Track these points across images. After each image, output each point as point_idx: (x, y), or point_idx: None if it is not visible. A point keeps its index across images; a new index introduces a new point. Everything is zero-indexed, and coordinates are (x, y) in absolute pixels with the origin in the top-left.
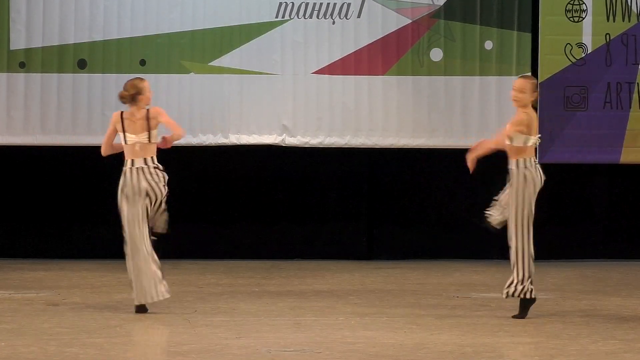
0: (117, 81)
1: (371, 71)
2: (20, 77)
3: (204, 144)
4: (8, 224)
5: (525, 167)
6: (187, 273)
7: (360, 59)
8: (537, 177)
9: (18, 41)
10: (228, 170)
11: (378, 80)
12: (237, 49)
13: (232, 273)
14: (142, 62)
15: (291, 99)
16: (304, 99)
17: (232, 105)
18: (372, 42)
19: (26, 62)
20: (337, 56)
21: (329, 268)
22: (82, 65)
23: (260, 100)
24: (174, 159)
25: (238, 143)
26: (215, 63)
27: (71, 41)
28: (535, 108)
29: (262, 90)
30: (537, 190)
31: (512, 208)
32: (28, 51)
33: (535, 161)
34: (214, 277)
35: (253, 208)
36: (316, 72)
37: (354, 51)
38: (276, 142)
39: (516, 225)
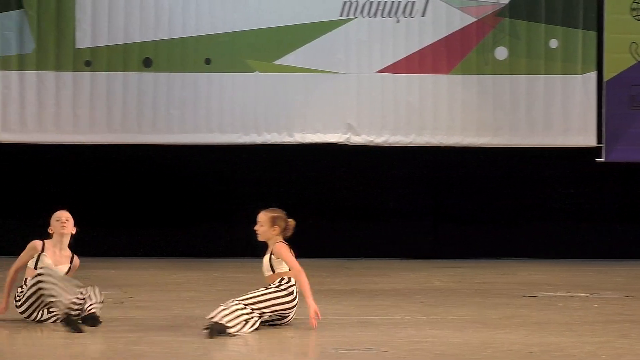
0: (182, 80)
1: (436, 70)
2: (86, 75)
3: (269, 142)
4: (76, 222)
5: None
6: (254, 272)
7: (424, 58)
8: None
9: (84, 40)
10: (292, 169)
11: (443, 78)
12: (302, 47)
13: None
14: (207, 61)
15: (355, 98)
16: (368, 97)
17: (296, 103)
18: (437, 41)
19: (92, 60)
20: (401, 55)
21: (394, 267)
22: (147, 64)
23: (325, 99)
24: (237, 157)
25: (303, 142)
26: (279, 62)
27: (136, 40)
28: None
29: (326, 89)
30: None
31: None
32: (94, 50)
33: None
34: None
35: (318, 207)
36: (380, 71)
37: (418, 50)
38: (341, 140)
39: None
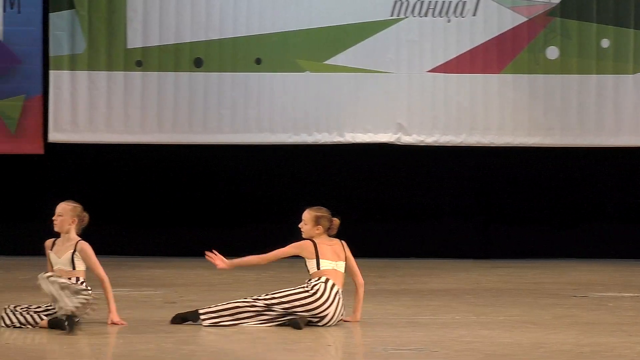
0: (233, 80)
1: (486, 69)
2: (137, 75)
3: (319, 142)
4: (124, 223)
5: None
6: (304, 271)
7: (475, 57)
8: None
9: (135, 40)
10: (343, 169)
11: (493, 78)
12: (352, 47)
13: (347, 271)
14: (258, 61)
15: (406, 98)
16: (419, 97)
17: (347, 103)
18: (488, 40)
19: (143, 60)
20: (452, 54)
21: (444, 267)
22: (198, 64)
23: (375, 99)
24: (287, 157)
25: (353, 142)
26: (330, 61)
27: (187, 40)
28: None
29: (377, 89)
30: None
31: None
32: (145, 50)
33: None
34: None
35: (368, 206)
36: (431, 71)
37: (469, 49)
38: (391, 140)
39: None
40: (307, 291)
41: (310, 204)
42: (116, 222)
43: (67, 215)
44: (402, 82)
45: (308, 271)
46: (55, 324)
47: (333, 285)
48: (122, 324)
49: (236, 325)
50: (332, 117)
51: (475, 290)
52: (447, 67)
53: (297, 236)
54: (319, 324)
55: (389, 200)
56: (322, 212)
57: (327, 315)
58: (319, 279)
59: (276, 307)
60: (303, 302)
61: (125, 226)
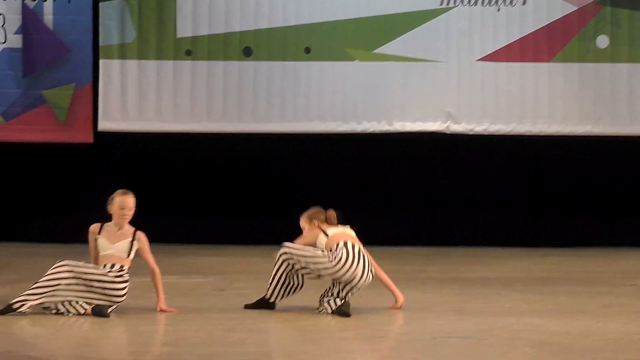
0: (282, 69)
1: (536, 58)
2: (187, 64)
3: (368, 131)
4: (173, 211)
5: None
6: None
7: (525, 46)
8: None
9: (184, 29)
10: (391, 158)
11: (544, 67)
12: (402, 36)
13: (396, 259)
14: (307, 50)
15: (456, 87)
16: (468, 86)
17: (396, 92)
18: (538, 29)
19: (192, 49)
20: (502, 43)
21: (494, 255)
22: (247, 53)
23: (425, 88)
24: (336, 146)
25: (402, 130)
26: (379, 50)
27: (237, 29)
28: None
29: (426, 78)
30: None
31: None
32: (194, 39)
33: None
34: (378, 264)
35: (417, 195)
36: (481, 60)
37: (518, 38)
38: (440, 129)
39: None
40: (330, 261)
41: (359, 194)
42: (165, 211)
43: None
44: (451, 71)
45: (323, 250)
46: (98, 312)
47: (353, 245)
48: (170, 312)
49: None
50: (381, 106)
51: (524, 278)
52: (497, 56)
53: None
54: (355, 285)
55: (438, 190)
56: (312, 210)
57: (356, 275)
58: (337, 246)
59: (300, 271)
60: (330, 270)
61: (174, 215)
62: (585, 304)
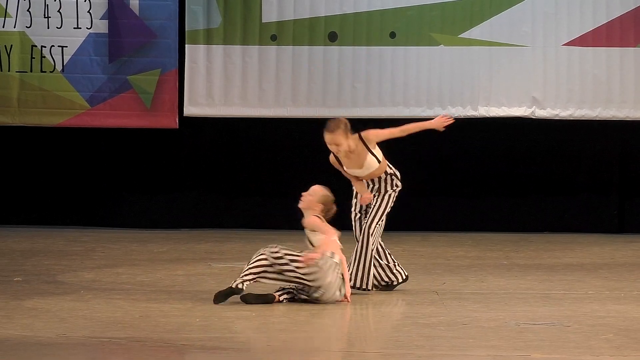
0: (367, 54)
1: (623, 43)
2: (272, 49)
3: (453, 116)
4: (260, 195)
5: None
6: (435, 245)
7: (612, 31)
8: None
9: (270, 14)
10: (477, 143)
11: (630, 51)
12: (487, 20)
13: (480, 246)
14: (392, 35)
15: (541, 71)
16: (554, 71)
17: (481, 77)
18: (625, 13)
19: (277, 34)
20: (588, 27)
21: (578, 241)
22: (332, 38)
23: (510, 72)
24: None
25: (487, 115)
26: (464, 35)
27: (322, 14)
28: None
29: (511, 62)
30: None
31: None
32: (279, 24)
33: None
34: (462, 250)
35: (502, 181)
36: (567, 44)
37: (605, 22)
38: (525, 114)
39: None
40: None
41: (443, 179)
42: (251, 195)
43: (316, 196)
44: (537, 55)
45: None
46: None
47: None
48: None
49: None
50: (466, 91)
51: (609, 265)
52: (583, 41)
53: (429, 210)
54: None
55: (523, 175)
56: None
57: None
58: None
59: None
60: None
61: (260, 199)
62: None
